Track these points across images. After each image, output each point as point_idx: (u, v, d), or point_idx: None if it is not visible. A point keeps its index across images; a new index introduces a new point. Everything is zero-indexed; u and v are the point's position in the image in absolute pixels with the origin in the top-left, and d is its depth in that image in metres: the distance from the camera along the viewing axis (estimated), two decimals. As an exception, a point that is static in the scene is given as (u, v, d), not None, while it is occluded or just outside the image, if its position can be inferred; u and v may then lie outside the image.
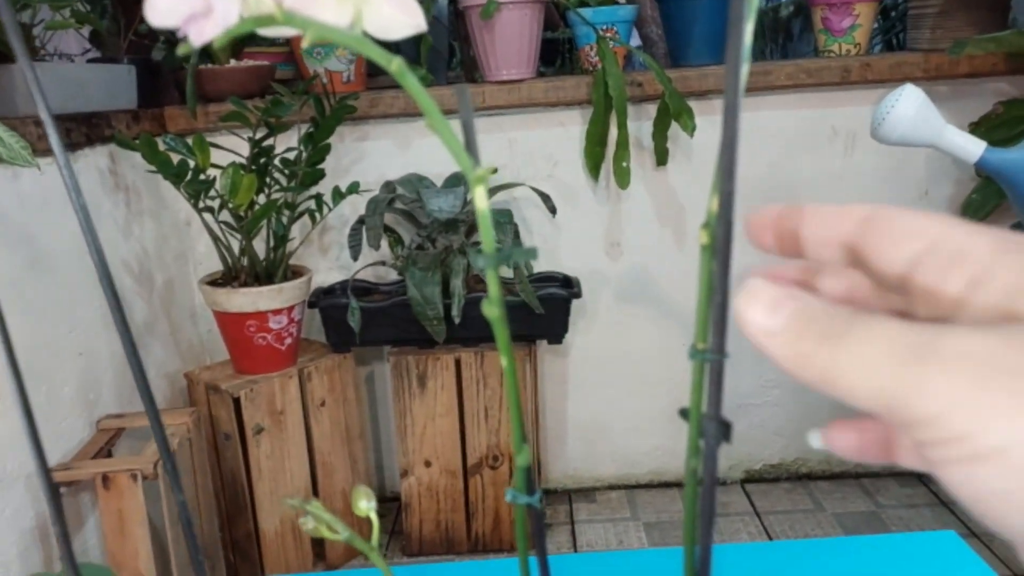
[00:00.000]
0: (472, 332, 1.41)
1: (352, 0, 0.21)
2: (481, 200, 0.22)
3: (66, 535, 0.42)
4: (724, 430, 0.23)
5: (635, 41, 1.80)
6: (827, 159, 1.54)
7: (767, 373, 1.66)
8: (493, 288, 0.24)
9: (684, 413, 0.25)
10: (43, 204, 1.14)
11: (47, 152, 1.17)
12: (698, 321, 0.23)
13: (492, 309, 0.24)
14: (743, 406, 1.68)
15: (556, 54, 2.36)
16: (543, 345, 1.61)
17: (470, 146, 0.23)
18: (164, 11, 0.20)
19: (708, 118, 1.52)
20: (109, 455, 1.13)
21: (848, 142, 1.53)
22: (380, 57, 0.21)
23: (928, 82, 1.47)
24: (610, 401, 1.69)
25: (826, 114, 1.52)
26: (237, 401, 1.30)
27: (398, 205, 1.47)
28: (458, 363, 1.43)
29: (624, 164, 1.49)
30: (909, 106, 0.89)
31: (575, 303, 1.57)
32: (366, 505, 0.32)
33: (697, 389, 0.24)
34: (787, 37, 2.55)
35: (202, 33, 0.20)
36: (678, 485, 1.73)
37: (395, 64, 0.21)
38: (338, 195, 1.41)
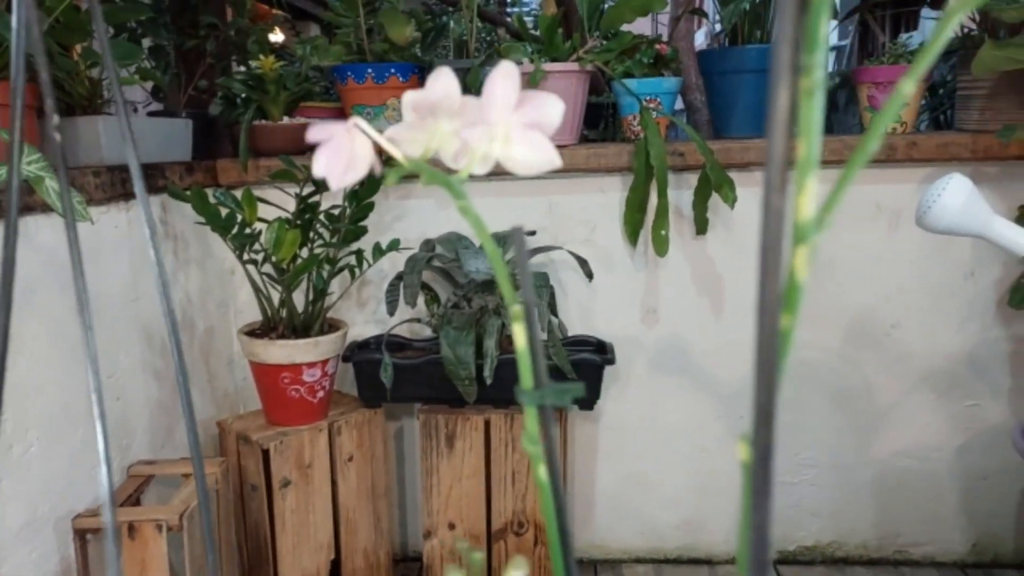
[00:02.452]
0: (503, 394, 1.40)
1: (498, 144, 0.25)
2: (520, 339, 0.22)
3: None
4: None
5: (679, 105, 1.81)
6: (871, 237, 1.52)
7: (804, 451, 1.61)
8: (531, 424, 0.23)
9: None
10: (94, 253, 1.17)
11: (101, 202, 1.21)
12: (739, 559, 0.22)
13: (531, 446, 0.23)
14: (777, 484, 1.63)
15: (600, 118, 2.38)
16: (574, 410, 1.59)
17: (525, 288, 0.23)
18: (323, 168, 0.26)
19: (750, 190, 1.51)
20: (138, 502, 1.13)
21: (892, 220, 1.51)
22: (455, 192, 0.22)
23: (976, 163, 1.45)
24: (640, 471, 1.65)
25: (871, 191, 1.50)
26: (266, 453, 1.30)
27: (436, 263, 1.48)
28: (487, 425, 1.41)
29: (663, 232, 1.49)
30: (956, 196, 0.88)
31: (608, 368, 1.55)
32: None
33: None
34: (832, 108, 2.55)
35: (343, 179, 0.26)
36: (707, 562, 1.67)
37: (461, 204, 0.22)
38: (379, 252, 1.43)
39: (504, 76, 0.26)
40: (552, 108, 0.26)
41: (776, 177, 0.14)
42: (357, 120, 0.26)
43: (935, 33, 0.15)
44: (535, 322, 0.25)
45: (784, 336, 0.15)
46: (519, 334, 0.22)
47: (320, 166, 0.26)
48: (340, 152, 0.26)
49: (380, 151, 0.29)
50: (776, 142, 0.14)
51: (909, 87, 0.16)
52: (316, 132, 0.26)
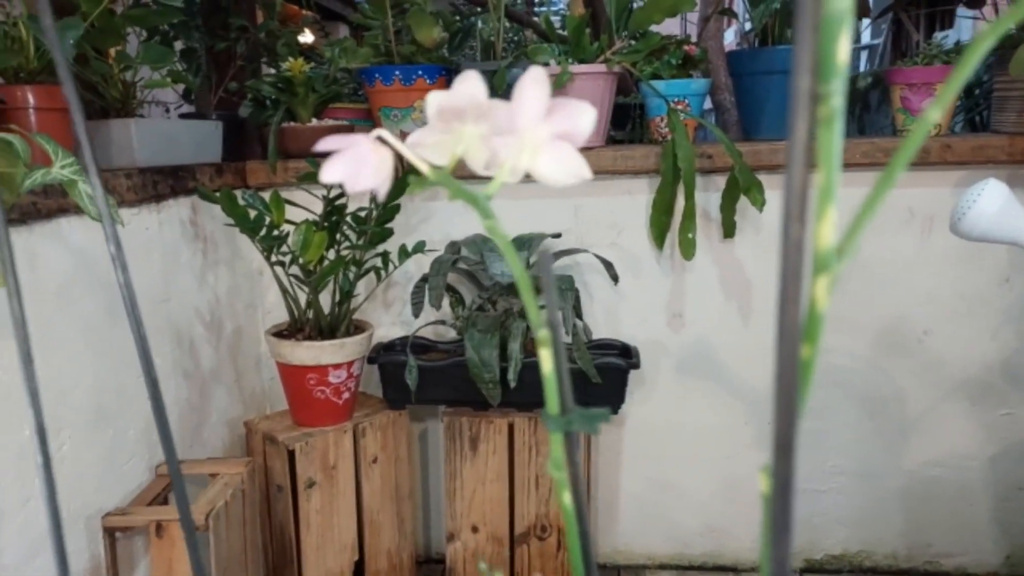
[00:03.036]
0: (527, 397, 1.40)
1: (527, 155, 0.25)
2: (546, 364, 0.22)
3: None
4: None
5: (708, 105, 1.79)
6: (904, 241, 1.49)
7: (832, 458, 1.59)
8: (556, 450, 0.23)
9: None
10: (126, 254, 1.19)
11: (133, 204, 1.23)
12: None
13: (556, 472, 0.23)
14: (805, 491, 1.61)
15: (628, 118, 2.37)
16: (599, 413, 1.58)
17: (551, 313, 0.23)
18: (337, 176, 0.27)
19: (778, 192, 1.49)
20: (165, 502, 1.15)
21: (926, 225, 1.48)
22: (482, 210, 0.22)
23: (1014, 166, 1.42)
24: (665, 476, 1.64)
25: (903, 195, 1.47)
26: (292, 454, 1.31)
27: (461, 266, 1.49)
28: (511, 428, 1.41)
29: (690, 235, 1.47)
30: (991, 202, 0.86)
31: (634, 372, 1.54)
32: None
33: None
34: (864, 108, 2.51)
35: (357, 184, 0.26)
36: (733, 569, 1.65)
37: (488, 224, 0.22)
38: (404, 254, 1.43)
39: (534, 82, 0.26)
40: (584, 117, 0.26)
41: (795, 206, 0.14)
42: (381, 132, 0.27)
43: (964, 59, 0.15)
44: (561, 348, 0.25)
45: (805, 367, 0.15)
46: (545, 359, 0.22)
47: (335, 171, 0.26)
48: (358, 160, 0.26)
49: (402, 160, 0.29)
50: (795, 171, 0.14)
51: (935, 115, 0.16)
52: (330, 143, 0.26)
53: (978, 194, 0.86)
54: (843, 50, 0.13)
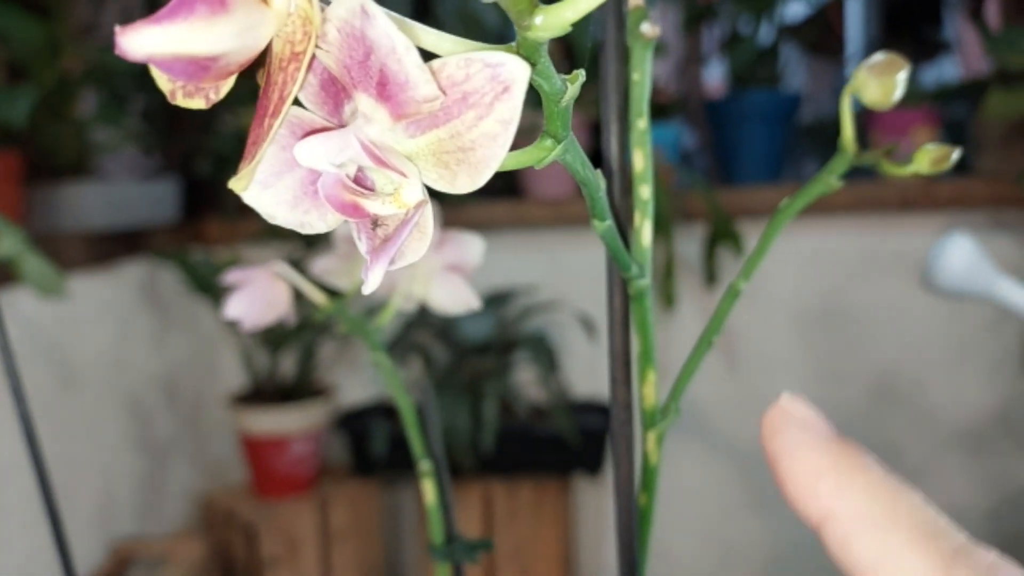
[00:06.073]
0: (503, 462, 1.41)
1: (420, 284, 0.29)
2: (429, 495, 0.25)
3: None
4: None
5: (688, 149, 1.84)
6: (890, 286, 1.53)
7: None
8: None
9: None
10: (76, 321, 1.22)
11: (87, 268, 1.26)
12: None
13: None
14: (807, 549, 1.62)
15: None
16: (578, 476, 1.60)
17: (434, 444, 0.26)
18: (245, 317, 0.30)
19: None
20: (118, 585, 1.15)
21: (913, 270, 1.52)
22: (371, 343, 0.25)
23: (995, 208, 1.47)
24: (657, 542, 1.63)
25: (887, 239, 1.52)
26: (253, 529, 1.32)
27: (431, 325, 1.51)
28: (487, 495, 1.42)
29: (670, 284, 1.51)
30: (956, 258, 0.90)
31: (616, 431, 1.56)
32: None
33: None
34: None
35: (256, 322, 0.30)
36: (728, 637, 1.65)
37: (377, 357, 0.25)
38: (371, 313, 1.46)
39: None
40: (472, 248, 0.29)
41: (619, 370, 0.17)
42: (279, 267, 0.30)
43: (765, 237, 0.18)
44: (447, 480, 0.27)
45: (644, 514, 0.18)
46: (428, 491, 0.25)
47: (236, 308, 0.29)
48: (258, 296, 0.29)
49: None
50: (616, 339, 0.16)
51: (741, 284, 0.19)
52: (234, 275, 0.29)
53: (942, 249, 0.90)
54: (645, 237, 0.16)
